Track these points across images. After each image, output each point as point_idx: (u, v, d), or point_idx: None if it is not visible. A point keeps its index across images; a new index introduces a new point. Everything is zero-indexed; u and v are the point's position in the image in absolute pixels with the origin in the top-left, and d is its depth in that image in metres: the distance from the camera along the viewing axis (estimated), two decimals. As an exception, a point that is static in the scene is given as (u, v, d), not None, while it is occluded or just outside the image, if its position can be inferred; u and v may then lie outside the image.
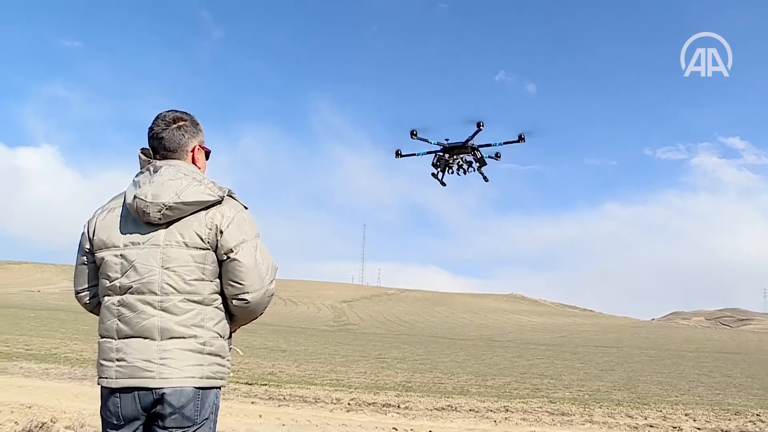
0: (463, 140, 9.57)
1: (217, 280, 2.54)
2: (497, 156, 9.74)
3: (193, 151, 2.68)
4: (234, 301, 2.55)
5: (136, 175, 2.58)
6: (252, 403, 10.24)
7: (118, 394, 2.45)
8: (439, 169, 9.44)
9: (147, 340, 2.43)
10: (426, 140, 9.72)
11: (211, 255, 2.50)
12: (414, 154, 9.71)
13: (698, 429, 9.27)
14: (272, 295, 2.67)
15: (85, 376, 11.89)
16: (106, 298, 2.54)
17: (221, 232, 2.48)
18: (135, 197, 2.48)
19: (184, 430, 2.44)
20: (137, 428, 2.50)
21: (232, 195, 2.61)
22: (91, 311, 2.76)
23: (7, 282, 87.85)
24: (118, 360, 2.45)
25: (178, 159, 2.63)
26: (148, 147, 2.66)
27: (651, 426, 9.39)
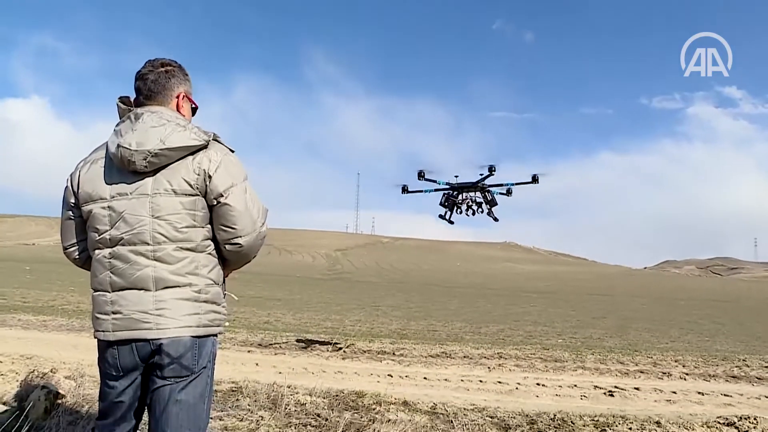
0: (474, 181, 9.35)
1: (209, 226, 2.50)
2: (509, 192, 9.52)
3: (178, 97, 2.61)
4: (227, 246, 2.53)
5: (117, 124, 2.51)
6: (248, 351, 10.35)
7: (115, 347, 2.44)
8: (447, 209, 9.25)
9: (142, 291, 2.41)
10: (434, 181, 9.53)
11: (201, 201, 2.46)
12: (421, 191, 9.51)
13: (687, 374, 9.44)
14: (264, 237, 2.64)
15: (82, 327, 11.98)
16: (96, 251, 2.50)
17: (210, 177, 2.43)
18: (118, 146, 2.41)
19: (182, 378, 2.45)
20: (136, 378, 2.51)
21: (218, 139, 2.54)
22: (81, 266, 2.72)
23: (2, 235, 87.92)
24: (113, 313, 2.43)
25: (160, 105, 2.55)
26: (126, 96, 2.60)
27: (641, 372, 9.55)
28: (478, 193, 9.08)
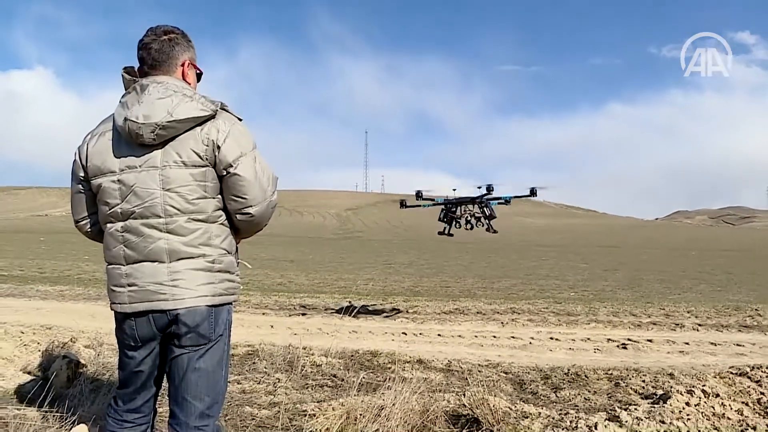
0: (472, 196, 9.28)
1: (219, 197, 2.49)
2: (507, 202, 9.44)
3: (183, 65, 2.57)
4: (238, 216, 2.52)
5: (123, 96, 2.47)
6: (263, 314, 10.48)
7: (132, 318, 2.46)
8: (445, 224, 9.18)
9: (156, 264, 2.41)
10: (432, 199, 9.47)
11: (211, 171, 2.43)
12: (419, 206, 9.47)
13: (699, 325, 9.49)
14: (275, 206, 2.63)
15: (99, 296, 12.12)
16: (108, 225, 2.50)
17: (218, 147, 2.40)
18: (126, 119, 2.39)
19: (200, 347, 2.48)
20: (154, 347, 2.54)
21: (225, 108, 2.50)
22: (93, 239, 2.72)
23: (15, 207, 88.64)
24: (129, 285, 2.44)
25: (166, 74, 2.51)
26: (131, 66, 2.57)
27: (654, 324, 9.61)
28: (476, 207, 9.05)
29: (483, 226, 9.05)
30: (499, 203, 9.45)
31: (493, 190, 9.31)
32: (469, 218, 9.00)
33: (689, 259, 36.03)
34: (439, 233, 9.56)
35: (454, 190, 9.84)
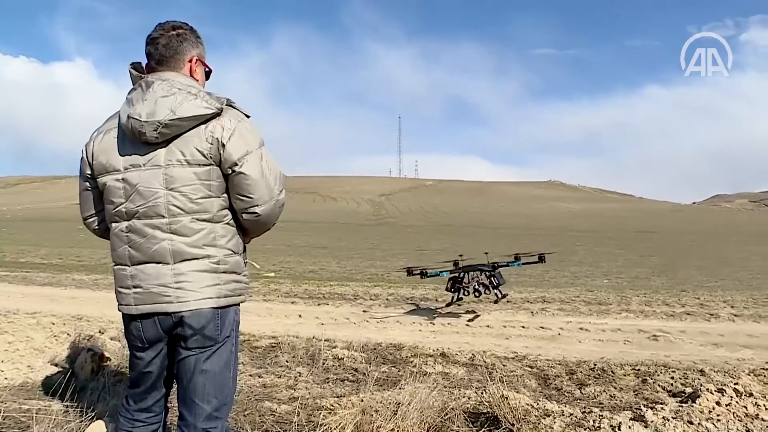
0: (480, 263, 9.14)
1: (225, 195, 2.45)
2: (517, 257, 9.28)
3: (191, 62, 2.52)
4: (244, 215, 2.48)
5: (129, 92, 2.45)
6: (292, 303, 10.49)
7: (139, 320, 2.46)
8: (453, 293, 9.00)
9: (160, 265, 2.39)
10: (437, 273, 9.39)
11: (216, 170, 2.39)
12: (426, 275, 9.33)
13: (735, 316, 9.23)
14: (283, 205, 2.58)
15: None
16: (113, 224, 2.49)
17: (223, 146, 2.36)
18: (129, 117, 2.36)
19: (206, 348, 2.46)
20: (162, 348, 2.53)
21: (232, 104, 2.46)
22: (101, 236, 2.71)
23: (55, 197, 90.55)
24: (134, 287, 2.43)
25: (173, 70, 2.47)
26: (138, 62, 2.53)
27: (688, 314, 9.38)
28: (483, 276, 8.86)
29: (490, 293, 8.85)
30: (509, 263, 9.30)
31: (520, 259, 9.24)
32: (477, 286, 8.82)
33: (728, 245, 35.20)
34: (447, 305, 9.34)
35: (461, 256, 9.86)
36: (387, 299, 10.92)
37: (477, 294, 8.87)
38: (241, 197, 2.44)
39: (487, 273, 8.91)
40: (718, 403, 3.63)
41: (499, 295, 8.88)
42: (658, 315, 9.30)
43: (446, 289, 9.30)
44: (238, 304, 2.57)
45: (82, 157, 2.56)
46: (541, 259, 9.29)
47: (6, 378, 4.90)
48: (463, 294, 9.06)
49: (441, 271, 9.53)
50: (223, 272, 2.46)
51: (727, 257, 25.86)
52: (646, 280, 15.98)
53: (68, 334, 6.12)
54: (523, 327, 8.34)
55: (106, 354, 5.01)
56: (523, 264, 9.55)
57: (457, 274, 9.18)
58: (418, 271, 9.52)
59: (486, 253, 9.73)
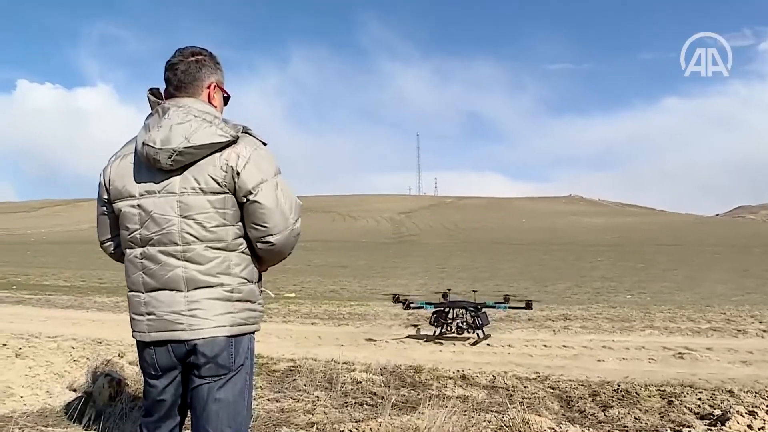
0: (468, 300, 9.13)
1: (240, 224, 2.42)
2: (506, 299, 9.23)
3: (209, 88, 2.52)
4: (258, 244, 2.45)
5: (146, 118, 2.45)
6: (312, 324, 10.46)
7: (152, 347, 2.44)
8: (436, 327, 8.94)
9: (174, 292, 2.37)
10: (422, 305, 9.42)
11: (231, 198, 2.37)
12: (409, 306, 9.35)
13: (764, 331, 9.03)
14: (298, 234, 2.54)
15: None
16: (128, 250, 2.48)
17: (238, 174, 2.33)
18: (144, 144, 2.35)
19: (220, 377, 2.43)
20: (176, 376, 2.50)
21: (249, 131, 2.43)
22: (117, 260, 2.71)
23: (78, 219, 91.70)
24: (147, 314, 2.42)
25: (191, 96, 2.47)
26: (156, 87, 2.53)
27: (714, 330, 9.20)
28: (468, 314, 8.77)
29: (472, 332, 8.70)
30: (497, 303, 9.20)
31: (509, 301, 9.17)
32: (460, 323, 8.72)
33: (753, 257, 34.62)
34: (427, 339, 9.25)
35: (449, 289, 9.81)
36: (407, 319, 10.84)
37: (459, 332, 8.75)
38: (256, 226, 2.42)
39: (472, 312, 8.81)
40: (750, 427, 3.53)
41: (481, 336, 8.67)
42: (683, 331, 9.13)
43: (429, 323, 9.15)
44: (253, 333, 2.54)
45: (99, 182, 2.56)
46: (528, 306, 9.18)
47: (25, 404, 4.91)
48: (446, 330, 8.93)
49: (426, 304, 9.51)
50: (237, 300, 2.43)
51: (753, 270, 25.43)
52: (669, 295, 15.75)
53: (87, 359, 6.14)
54: (545, 346, 8.24)
55: (125, 379, 5.00)
56: (509, 308, 9.43)
57: (441, 308, 9.09)
58: (403, 301, 9.51)
59: (474, 291, 9.75)
